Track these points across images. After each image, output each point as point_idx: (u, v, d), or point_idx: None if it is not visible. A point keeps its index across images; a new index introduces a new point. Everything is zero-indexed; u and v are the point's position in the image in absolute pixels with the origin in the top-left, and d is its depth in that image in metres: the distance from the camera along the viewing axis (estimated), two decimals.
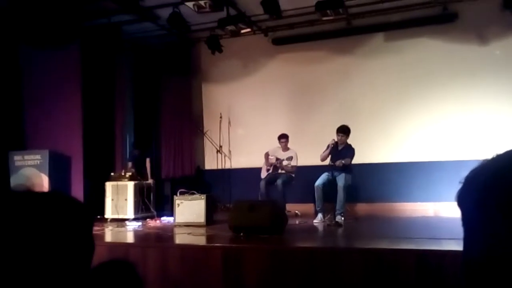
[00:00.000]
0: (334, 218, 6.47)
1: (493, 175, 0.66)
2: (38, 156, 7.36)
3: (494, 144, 7.59)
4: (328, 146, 6.79)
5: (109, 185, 7.53)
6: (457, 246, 3.76)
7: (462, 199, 0.72)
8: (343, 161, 6.54)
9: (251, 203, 5.79)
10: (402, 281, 3.80)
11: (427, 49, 8.17)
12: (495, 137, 7.65)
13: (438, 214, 7.51)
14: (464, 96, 7.90)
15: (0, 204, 0.99)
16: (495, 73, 7.70)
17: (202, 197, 6.79)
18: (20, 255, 0.93)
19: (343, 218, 6.47)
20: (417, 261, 3.82)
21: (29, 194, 1.03)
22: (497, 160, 0.68)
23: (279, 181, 7.30)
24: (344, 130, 6.81)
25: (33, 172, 7.33)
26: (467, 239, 0.70)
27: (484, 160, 0.70)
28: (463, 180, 0.72)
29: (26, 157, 7.39)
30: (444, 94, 8.01)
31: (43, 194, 1.05)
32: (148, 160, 8.23)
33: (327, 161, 6.78)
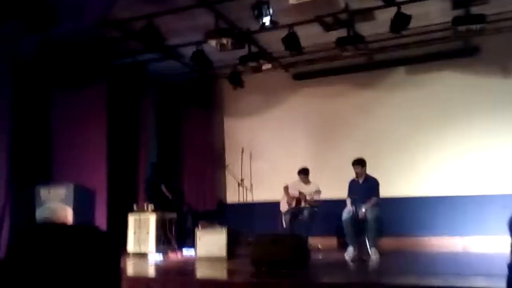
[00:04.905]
0: (367, 252, 6.31)
1: None
2: (63, 190, 7.46)
3: None
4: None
5: (131, 218, 7.58)
6: (485, 282, 3.64)
7: None
8: (367, 209, 6.41)
9: (274, 237, 5.72)
10: None
11: (449, 83, 8.14)
12: None
13: (466, 249, 7.30)
14: (488, 129, 7.77)
15: (32, 237, 1.02)
16: None
17: (223, 230, 6.77)
18: (52, 285, 0.95)
19: (377, 252, 6.29)
20: None
21: (61, 227, 1.07)
22: None
23: (306, 215, 7.21)
24: (358, 162, 6.72)
25: (59, 206, 7.42)
26: None
27: None
28: None
29: (52, 191, 7.51)
30: (468, 128, 7.91)
31: (73, 227, 1.09)
32: (163, 186, 8.33)
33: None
